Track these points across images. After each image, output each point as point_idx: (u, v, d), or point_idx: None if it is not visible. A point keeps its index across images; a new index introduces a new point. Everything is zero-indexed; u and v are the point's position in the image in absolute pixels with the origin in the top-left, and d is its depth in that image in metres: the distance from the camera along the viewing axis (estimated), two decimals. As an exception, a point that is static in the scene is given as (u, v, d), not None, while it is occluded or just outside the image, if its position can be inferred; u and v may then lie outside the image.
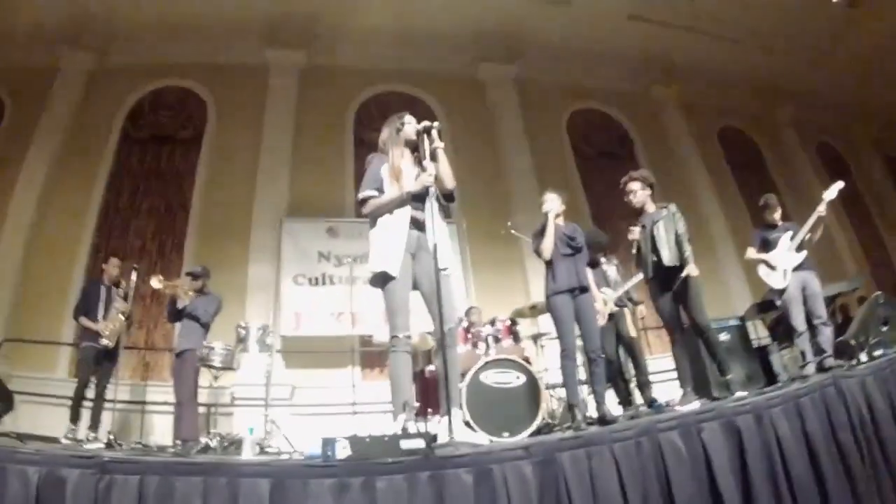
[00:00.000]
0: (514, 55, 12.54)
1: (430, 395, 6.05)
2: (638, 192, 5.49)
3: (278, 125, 10.88)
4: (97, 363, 6.88)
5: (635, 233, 5.58)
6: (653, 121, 13.31)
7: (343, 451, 2.69)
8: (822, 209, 6.10)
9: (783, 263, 6.17)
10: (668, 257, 5.19)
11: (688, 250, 5.20)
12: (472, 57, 12.42)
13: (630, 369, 6.67)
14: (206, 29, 11.01)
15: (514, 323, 6.72)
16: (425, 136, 3.92)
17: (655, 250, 5.27)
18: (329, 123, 11.27)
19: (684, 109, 13.49)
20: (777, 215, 6.46)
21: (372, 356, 9.23)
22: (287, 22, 11.36)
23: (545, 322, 6.97)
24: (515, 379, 5.75)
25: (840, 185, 6.20)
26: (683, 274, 5.15)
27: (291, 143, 10.76)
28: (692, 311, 5.17)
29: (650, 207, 5.51)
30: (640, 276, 5.96)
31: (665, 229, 5.29)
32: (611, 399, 6.59)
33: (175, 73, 11.25)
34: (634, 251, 5.58)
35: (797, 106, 14.64)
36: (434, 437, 3.24)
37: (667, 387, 7.39)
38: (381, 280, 3.82)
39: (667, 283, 5.20)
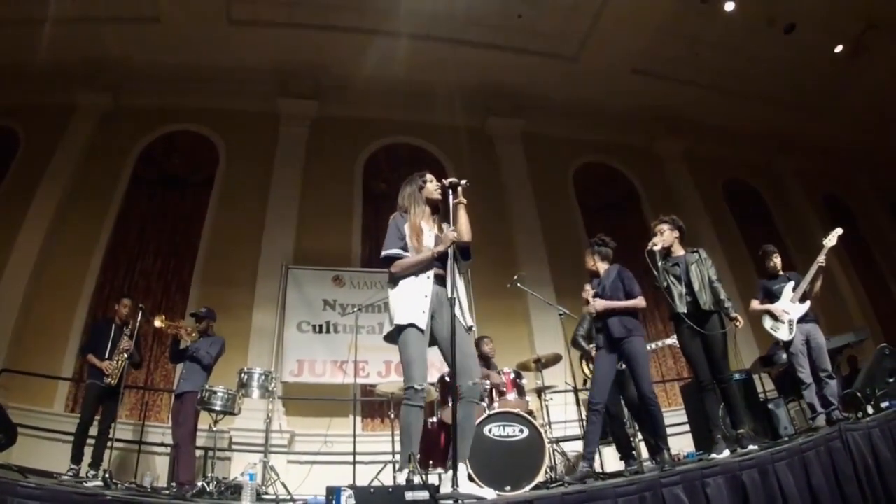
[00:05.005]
0: (521, 109, 12.73)
1: (432, 447, 5.99)
2: (666, 233, 5.47)
3: (288, 173, 10.99)
4: (100, 401, 6.85)
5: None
6: (658, 173, 13.39)
7: (348, 500, 2.67)
8: (822, 259, 6.17)
9: (788, 315, 6.18)
10: (705, 301, 5.15)
11: (725, 297, 5.19)
12: (480, 110, 12.63)
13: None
14: (220, 75, 11.26)
15: (518, 375, 6.69)
16: (451, 191, 4.00)
17: (692, 292, 5.22)
18: (338, 173, 11.38)
19: (689, 162, 13.61)
20: (775, 263, 6.52)
21: (374, 406, 9.18)
22: (299, 72, 11.60)
23: (550, 375, 6.96)
24: (519, 432, 5.71)
25: (839, 231, 6.26)
26: (738, 325, 5.17)
27: (300, 191, 10.85)
28: (718, 360, 5.11)
29: (678, 250, 5.50)
30: (669, 339, 5.93)
31: (700, 273, 5.28)
32: (612, 454, 6.56)
33: (188, 117, 11.42)
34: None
35: (802, 156, 14.71)
36: (437, 490, 3.21)
37: (672, 441, 7.34)
38: (400, 333, 3.82)
39: (700, 326, 5.13)
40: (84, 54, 10.61)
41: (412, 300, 3.85)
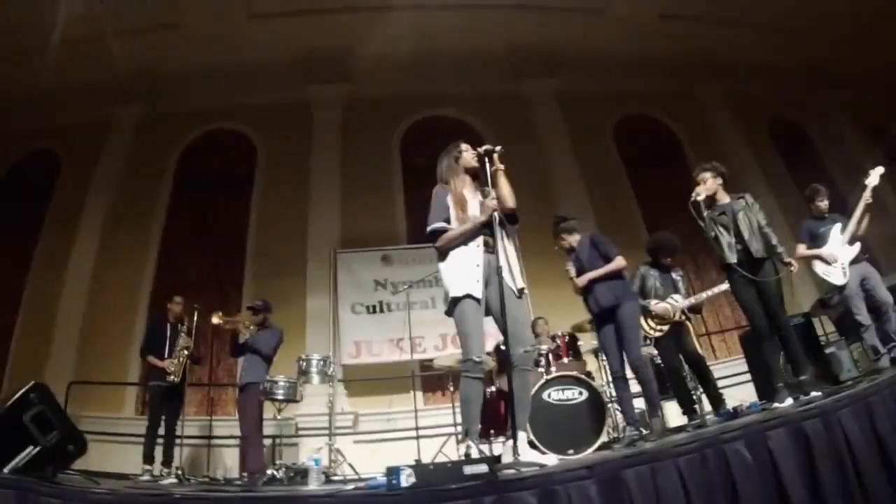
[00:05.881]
0: (553, 69, 12.52)
1: (492, 416, 6.04)
2: (709, 181, 5.27)
3: (326, 159, 11.11)
4: (165, 401, 7.06)
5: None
6: (699, 119, 13.02)
7: (408, 479, 2.70)
8: (867, 196, 5.97)
9: (839, 259, 6.00)
10: (756, 248, 4.99)
11: (776, 242, 5.04)
12: (513, 74, 12.47)
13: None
14: (248, 71, 11.31)
15: (573, 338, 6.67)
16: (486, 159, 3.99)
17: (741, 240, 5.06)
18: (376, 152, 11.42)
19: (730, 104, 13.19)
20: (825, 205, 6.26)
21: (433, 380, 9.28)
22: (326, 57, 11.63)
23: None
24: (578, 395, 5.73)
25: (881, 170, 6.02)
26: (793, 269, 5.13)
27: (340, 175, 10.95)
28: (775, 307, 4.96)
29: (723, 197, 5.31)
30: (724, 286, 5.82)
31: (748, 219, 5.11)
32: (674, 409, 6.52)
33: (221, 117, 11.66)
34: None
35: (847, 89, 14.07)
36: (497, 460, 3.23)
37: (734, 391, 7.27)
38: (456, 305, 3.84)
39: (753, 274, 4.98)
40: (112, 69, 10.71)
41: (465, 271, 3.86)
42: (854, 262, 5.98)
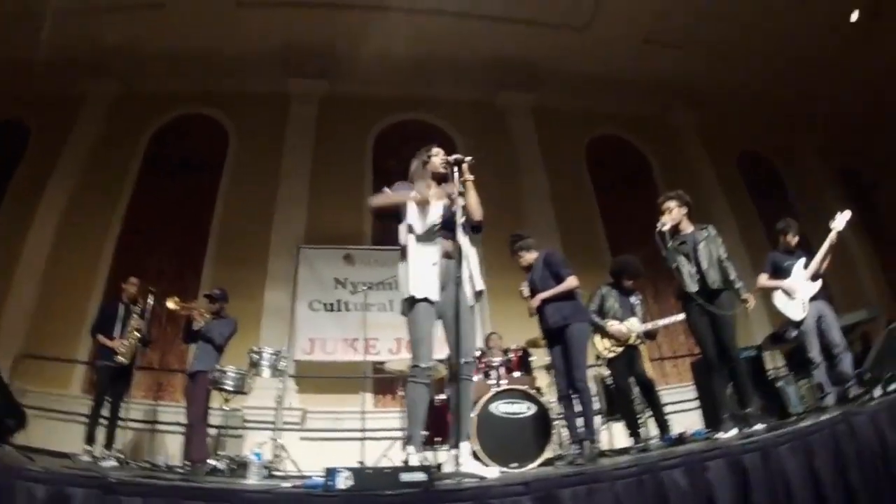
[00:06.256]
0: (532, 83, 12.57)
1: (440, 423, 6.04)
2: (674, 210, 5.35)
3: (298, 153, 11.03)
4: (112, 382, 6.93)
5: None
6: (671, 146, 13.17)
7: (345, 481, 2.68)
8: (833, 237, 6.11)
9: (801, 293, 6.12)
10: (714, 279, 5.07)
11: (735, 276, 5.13)
12: (492, 85, 12.48)
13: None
14: (228, 58, 11.19)
15: (526, 353, 6.70)
16: (455, 168, 4.00)
17: (700, 270, 5.14)
18: (348, 151, 11.35)
19: (703, 134, 13.35)
20: (795, 241, 6.40)
21: (385, 383, 9.23)
22: (308, 51, 11.52)
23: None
24: (526, 409, 5.77)
25: (847, 215, 6.16)
26: (749, 305, 5.15)
27: (310, 171, 10.89)
28: (727, 339, 5.02)
29: (687, 227, 5.38)
30: (681, 316, 5.88)
31: (709, 250, 5.19)
32: (621, 430, 6.58)
33: (197, 101, 11.51)
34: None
35: (816, 127, 14.41)
36: (438, 469, 3.21)
37: (681, 417, 7.36)
38: (412, 307, 3.84)
39: (709, 305, 5.05)
40: (90, 44, 10.57)
41: (422, 271, 3.86)
42: (813, 298, 6.10)
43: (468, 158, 4.04)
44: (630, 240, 10.77)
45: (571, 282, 5.51)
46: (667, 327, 6.89)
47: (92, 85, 11.16)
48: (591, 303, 6.42)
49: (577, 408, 5.38)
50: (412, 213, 4.01)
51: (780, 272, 6.31)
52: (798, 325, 6.16)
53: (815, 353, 6.02)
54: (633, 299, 6.53)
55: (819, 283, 6.15)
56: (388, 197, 4.14)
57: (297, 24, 11.05)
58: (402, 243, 4.00)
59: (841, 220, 6.13)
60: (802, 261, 6.23)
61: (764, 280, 6.44)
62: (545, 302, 5.52)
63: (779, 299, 6.29)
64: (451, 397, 3.64)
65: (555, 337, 5.48)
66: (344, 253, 10.02)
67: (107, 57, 10.96)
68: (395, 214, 4.09)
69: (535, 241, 6.07)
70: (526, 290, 5.75)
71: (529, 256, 5.87)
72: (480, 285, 4.00)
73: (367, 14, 10.80)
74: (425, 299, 3.80)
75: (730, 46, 12.16)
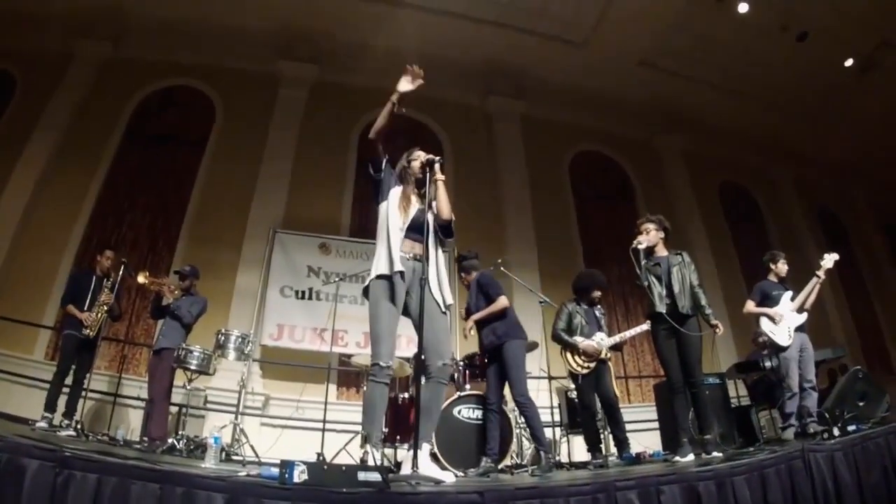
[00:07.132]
0: (523, 91, 12.63)
1: (402, 422, 6.03)
2: (652, 232, 5.43)
3: (283, 136, 10.89)
4: (77, 351, 6.84)
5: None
6: (654, 168, 13.35)
7: (300, 475, 2.66)
8: (821, 274, 6.37)
9: (788, 322, 6.31)
10: (684, 304, 5.15)
11: (706, 303, 5.22)
12: (482, 89, 12.52)
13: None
14: (222, 32, 11.08)
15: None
16: (428, 168, 4.01)
17: (671, 294, 5.21)
18: (334, 140, 11.25)
19: (687, 159, 13.55)
20: (786, 269, 6.64)
21: (349, 376, 9.23)
22: (303, 36, 11.46)
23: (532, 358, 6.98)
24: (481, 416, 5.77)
25: (835, 256, 6.48)
26: (718, 331, 5.22)
27: (294, 156, 10.75)
28: (692, 363, 5.11)
29: (662, 251, 5.47)
30: (646, 325, 5.96)
31: (682, 275, 5.27)
32: (581, 445, 6.61)
33: (187, 72, 11.31)
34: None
35: (801, 167, 14.73)
36: (392, 470, 3.20)
37: (641, 436, 7.42)
38: (373, 300, 3.81)
39: (675, 329, 5.11)
40: (86, 2, 10.44)
41: (394, 253, 3.84)
42: (798, 329, 6.29)
43: (438, 159, 4.07)
44: (605, 255, 10.87)
45: (501, 302, 5.64)
46: (633, 338, 6.95)
47: (83, 44, 10.90)
48: (560, 320, 6.45)
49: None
50: (393, 204, 4.03)
51: (769, 300, 6.50)
52: (780, 351, 6.32)
53: (793, 380, 6.17)
54: (597, 312, 6.61)
55: (805, 315, 6.35)
56: (381, 116, 4.17)
57: (296, 6, 10.98)
58: (381, 222, 4.03)
59: (829, 260, 6.44)
60: (790, 293, 6.45)
61: (751, 307, 6.62)
62: (479, 323, 5.66)
63: (766, 324, 6.47)
64: (417, 397, 3.62)
65: (492, 356, 5.60)
66: (320, 241, 9.92)
67: (101, 17, 10.81)
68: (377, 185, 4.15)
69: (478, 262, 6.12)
70: (465, 313, 5.85)
71: (469, 278, 6.01)
72: (450, 299, 3.98)
73: (367, 5, 10.83)
74: (388, 277, 3.79)
75: (723, 78, 12.35)
